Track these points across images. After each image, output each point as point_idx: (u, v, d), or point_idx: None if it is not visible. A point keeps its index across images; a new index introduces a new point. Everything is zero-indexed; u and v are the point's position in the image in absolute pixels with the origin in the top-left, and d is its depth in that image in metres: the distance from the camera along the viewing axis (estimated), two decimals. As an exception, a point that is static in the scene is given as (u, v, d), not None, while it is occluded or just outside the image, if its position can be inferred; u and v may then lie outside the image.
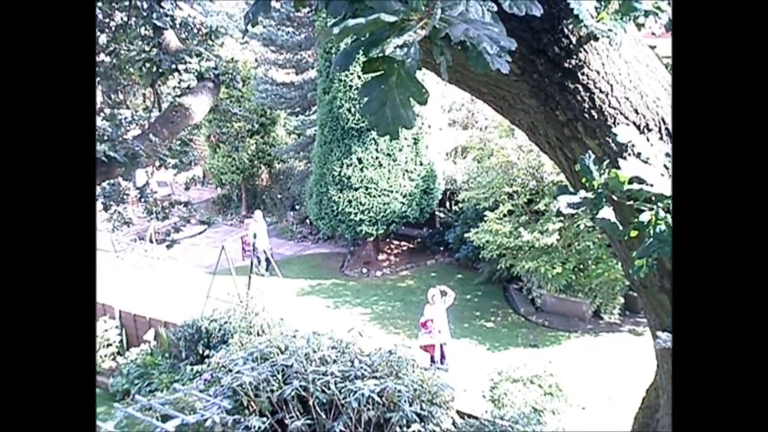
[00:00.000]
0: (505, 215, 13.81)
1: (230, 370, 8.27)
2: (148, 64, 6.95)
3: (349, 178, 16.37)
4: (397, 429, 7.74)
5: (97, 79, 8.16)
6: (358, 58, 1.61)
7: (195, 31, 7.87)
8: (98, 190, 6.41)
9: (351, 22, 1.36)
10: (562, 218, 12.87)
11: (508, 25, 1.65)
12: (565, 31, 2.59)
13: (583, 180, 2.32)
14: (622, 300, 13.64)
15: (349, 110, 15.97)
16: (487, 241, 13.70)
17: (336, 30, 1.38)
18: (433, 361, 11.64)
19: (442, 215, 18.29)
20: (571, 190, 2.35)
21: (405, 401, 7.51)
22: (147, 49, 7.28)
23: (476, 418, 8.37)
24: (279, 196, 23.43)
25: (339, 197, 16.54)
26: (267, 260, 17.31)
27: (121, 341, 13.68)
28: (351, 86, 15.84)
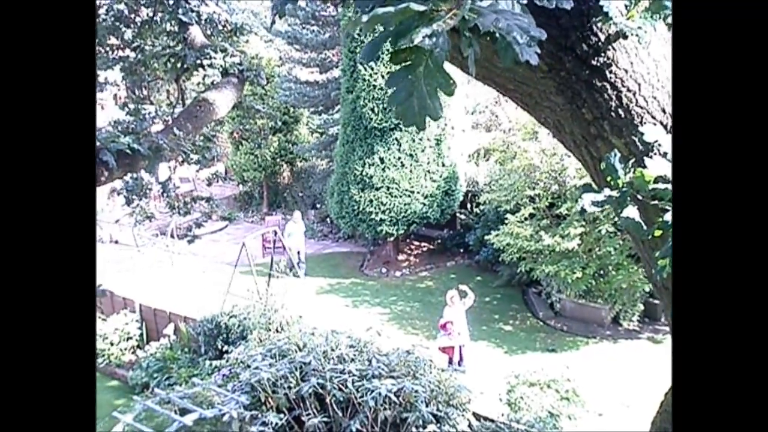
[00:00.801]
0: (526, 218, 13.74)
1: (248, 366, 8.31)
2: (173, 59, 7.00)
3: (370, 177, 16.38)
4: (413, 429, 7.72)
5: (122, 74, 8.24)
6: (384, 54, 1.61)
7: (220, 27, 7.92)
8: (121, 183, 6.47)
9: (380, 10, 1.35)
10: (583, 223, 12.77)
11: (536, 21, 1.64)
12: (594, 28, 2.56)
13: (608, 179, 2.29)
14: (642, 307, 13.50)
15: (372, 110, 15.98)
16: (508, 244, 13.63)
17: (365, 18, 1.37)
18: (450, 362, 11.60)
19: (462, 217, 18.23)
20: (596, 189, 2.33)
21: (422, 402, 7.50)
22: (172, 44, 7.34)
23: (492, 420, 8.34)
24: (300, 194, 23.52)
25: (360, 196, 16.55)
26: (299, 262, 17.38)
27: (141, 335, 13.81)
28: (375, 86, 15.84)
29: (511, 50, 1.47)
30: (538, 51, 1.55)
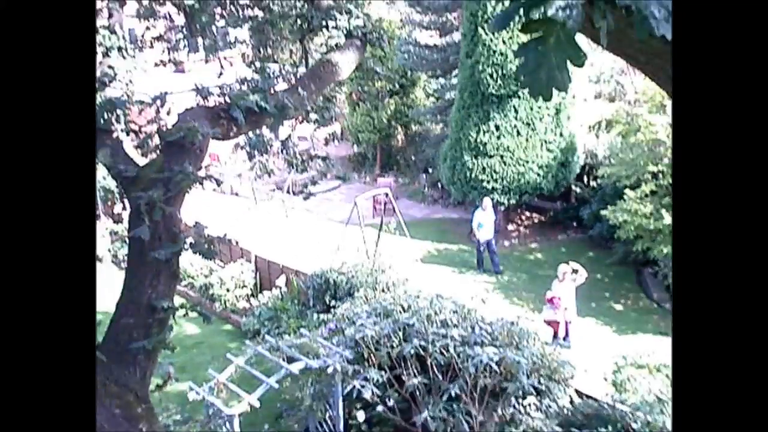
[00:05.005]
0: (646, 195, 13.16)
1: (354, 323, 8.57)
2: (299, 20, 7.16)
3: (485, 144, 16.18)
4: (513, 399, 7.73)
5: (249, 33, 8.52)
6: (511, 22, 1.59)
7: (346, -12, 8.00)
8: (245, 139, 6.75)
9: (515, -20, 1.35)
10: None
11: (675, -9, 1.57)
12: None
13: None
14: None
15: (491, 75, 15.67)
16: (625, 221, 13.13)
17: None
18: (555, 337, 11.45)
19: (578, 190, 17.70)
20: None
21: (523, 373, 7.47)
22: (299, 5, 7.51)
23: (595, 399, 8.19)
24: (413, 158, 23.60)
25: (473, 163, 16.41)
26: (494, 257, 15.54)
27: (255, 284, 14.50)
28: (494, 51, 15.50)
29: (647, 24, 1.43)
30: (676, 25, 1.50)
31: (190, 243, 3.86)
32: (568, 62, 1.54)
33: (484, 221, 15.24)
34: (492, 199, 16.40)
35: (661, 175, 13.09)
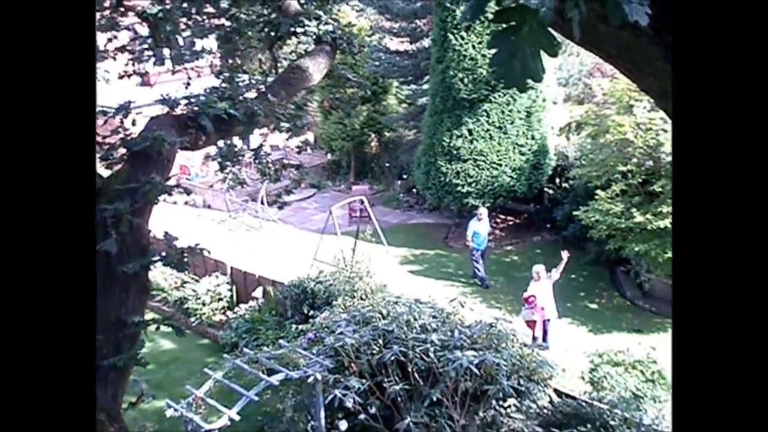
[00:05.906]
0: (617, 195, 13.28)
1: (333, 332, 8.49)
2: (267, 28, 7.09)
3: (458, 149, 16.22)
4: (493, 401, 7.72)
5: (217, 42, 8.42)
6: (477, 24, 1.55)
7: (314, -5, 7.95)
8: (215, 150, 6.66)
9: (485, -33, 1.31)
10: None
11: (645, -19, 1.54)
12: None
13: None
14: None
15: (462, 80, 15.74)
16: (597, 221, 13.24)
17: (468, -24, 1.33)
18: (534, 338, 11.47)
19: (551, 192, 17.81)
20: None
21: (503, 375, 7.47)
22: (266, 12, 7.43)
23: (574, 398, 8.22)
24: (387, 165, 23.54)
25: (447, 168, 16.43)
26: (481, 267, 15.12)
27: (232, 297, 14.29)
28: (465, 56, 15.57)
29: (620, 9, 1.40)
30: (649, 11, 1.47)
31: (161, 255, 3.77)
32: (542, 52, 1.51)
33: (480, 230, 14.90)
34: (466, 204, 16.43)
35: (630, 175, 13.21)
